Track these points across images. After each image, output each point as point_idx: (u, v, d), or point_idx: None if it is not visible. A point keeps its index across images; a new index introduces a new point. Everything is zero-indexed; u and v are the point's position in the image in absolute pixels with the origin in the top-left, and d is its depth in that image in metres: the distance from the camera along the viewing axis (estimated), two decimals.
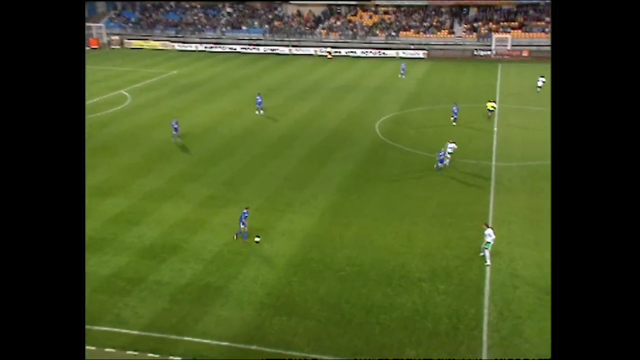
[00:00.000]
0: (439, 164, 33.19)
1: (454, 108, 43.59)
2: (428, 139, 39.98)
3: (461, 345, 18.12)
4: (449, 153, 33.64)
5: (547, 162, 34.64)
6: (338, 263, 23.26)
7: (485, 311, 19.77)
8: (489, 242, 22.72)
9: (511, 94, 53.97)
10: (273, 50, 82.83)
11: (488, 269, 22.43)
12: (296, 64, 73.97)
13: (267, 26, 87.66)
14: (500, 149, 37.40)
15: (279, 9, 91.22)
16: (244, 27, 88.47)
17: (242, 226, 24.97)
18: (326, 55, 78.25)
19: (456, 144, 34.17)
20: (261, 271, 22.81)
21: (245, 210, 25.12)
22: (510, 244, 24.34)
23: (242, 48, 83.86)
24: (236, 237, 25.26)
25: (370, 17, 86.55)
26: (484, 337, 18.42)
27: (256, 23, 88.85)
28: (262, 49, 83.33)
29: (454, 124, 42.97)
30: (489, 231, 22.88)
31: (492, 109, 44.00)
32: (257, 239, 24.92)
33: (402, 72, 63.13)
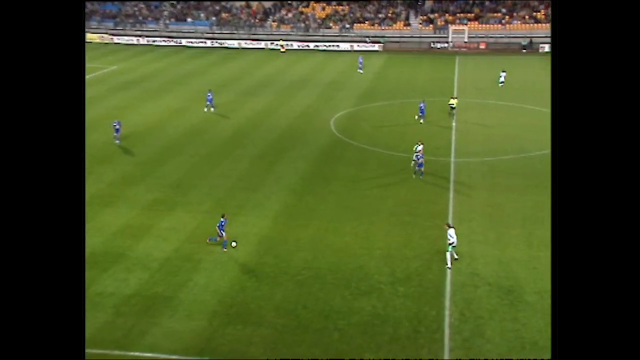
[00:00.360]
0: (418, 168, 32.30)
1: (421, 105, 43.44)
2: (385, 136, 40.46)
3: (422, 348, 18.42)
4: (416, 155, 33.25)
5: (507, 156, 35.62)
6: (294, 267, 23.26)
7: (447, 313, 20.17)
8: (453, 244, 23.03)
9: (469, 87, 55.22)
10: (221, 43, 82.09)
11: (448, 270, 22.85)
12: (246, 58, 73.56)
13: (214, 18, 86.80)
14: (459, 144, 38.22)
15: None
16: (189, 20, 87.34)
17: (221, 235, 24.55)
18: (279, 49, 78.15)
19: (423, 145, 33.38)
20: (213, 278, 22.58)
21: (222, 219, 24.74)
22: (471, 243, 24.89)
23: (187, 41, 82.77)
24: (225, 243, 24.71)
25: (323, 8, 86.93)
26: (446, 340, 18.78)
27: (202, 15, 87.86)
28: (209, 43, 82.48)
29: (420, 120, 43.02)
30: (450, 231, 23.23)
31: (454, 105, 44.41)
32: (233, 244, 24.65)
33: (359, 65, 63.58)
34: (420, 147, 33.03)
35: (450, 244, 23.02)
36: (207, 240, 25.02)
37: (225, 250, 24.55)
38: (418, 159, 32.37)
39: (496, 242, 24.99)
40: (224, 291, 21.68)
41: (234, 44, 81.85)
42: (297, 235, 25.90)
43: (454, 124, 42.74)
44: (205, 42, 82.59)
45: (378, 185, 31.67)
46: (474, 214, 27.79)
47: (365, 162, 35.24)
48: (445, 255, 23.29)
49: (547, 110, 46.18)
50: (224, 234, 24.53)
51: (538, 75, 60.58)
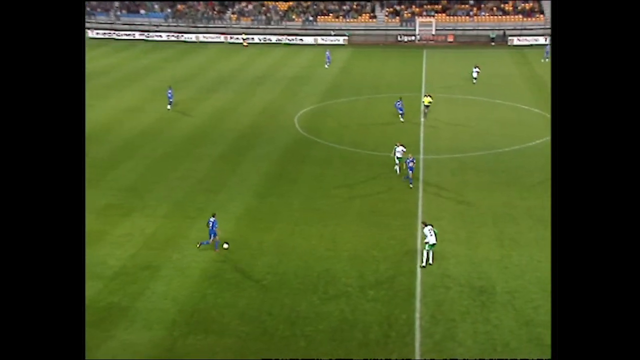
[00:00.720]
0: (410, 173, 31.20)
1: (397, 104, 42.94)
2: (351, 133, 40.68)
3: (393, 353, 18.61)
4: (398, 158, 32.26)
5: (477, 153, 36.21)
6: (258, 272, 23.23)
7: (417, 316, 20.42)
8: (429, 244, 23.15)
9: (438, 82, 55.90)
10: (178, 37, 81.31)
11: (419, 271, 23.14)
12: (205, 52, 73.01)
13: (169, 10, 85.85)
14: (428, 141, 38.68)
15: None
16: (142, 11, 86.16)
17: (212, 237, 24.59)
18: (241, 43, 77.79)
19: (405, 147, 32.68)
20: (172, 286, 22.37)
21: (212, 218, 24.73)
22: (442, 242, 25.15)
23: (140, 35, 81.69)
24: (200, 245, 25.10)
25: (285, 0, 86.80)
26: (417, 344, 19.02)
27: (156, 6, 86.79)
28: (164, 36, 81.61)
29: (400, 119, 42.78)
30: (426, 230, 23.34)
31: (428, 104, 43.39)
32: (225, 246, 24.72)
33: (327, 60, 63.84)
34: (400, 149, 32.27)
35: (426, 243, 23.24)
36: (198, 245, 24.94)
37: (217, 251, 24.63)
38: (408, 163, 31.21)
39: (467, 242, 25.40)
40: (184, 299, 21.50)
41: (192, 37, 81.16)
42: (261, 239, 25.86)
43: (422, 119, 43.24)
44: (160, 35, 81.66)
45: (345, 184, 31.83)
46: (444, 213, 28.17)
47: (331, 161, 35.38)
48: (418, 254, 23.53)
49: (517, 104, 47.14)
50: (213, 236, 24.59)
51: (508, 68, 61.75)
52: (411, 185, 30.98)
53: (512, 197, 29.70)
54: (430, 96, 44.24)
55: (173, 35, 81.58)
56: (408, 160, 31.44)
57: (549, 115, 43.39)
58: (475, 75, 54.51)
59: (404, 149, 32.43)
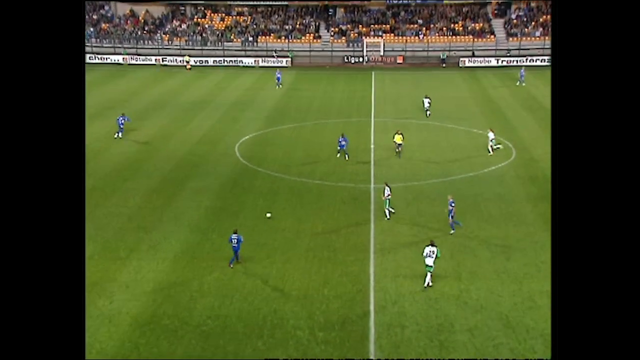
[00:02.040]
0: (450, 219, 29.84)
1: (341, 140, 40.93)
2: (298, 162, 40.90)
3: None
4: (385, 200, 31.07)
5: (431, 181, 36.95)
6: (197, 317, 22.87)
7: (372, 359, 20.49)
8: (426, 265, 24.53)
9: (388, 106, 57.09)
10: (103, 59, 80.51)
11: (373, 310, 23.27)
12: (134, 75, 72.40)
13: (92, 29, 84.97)
14: (380, 169, 39.26)
15: (106, 7, 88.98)
16: None
17: (236, 251, 26.49)
18: (184, 66, 77.61)
19: (391, 189, 31.49)
20: (98, 337, 21.71)
21: (235, 235, 26.39)
22: (397, 277, 25.51)
23: None
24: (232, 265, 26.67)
25: (223, 19, 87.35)
26: None
27: None
28: (87, 58, 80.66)
29: (338, 155, 41.44)
30: (426, 250, 24.54)
31: (400, 142, 41.23)
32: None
33: (277, 81, 65.10)
34: (388, 191, 31.07)
35: (427, 265, 24.52)
36: (230, 265, 26.50)
37: (231, 266, 26.45)
38: (451, 205, 29.56)
39: (423, 276, 25.70)
40: (112, 351, 20.91)
41: (119, 59, 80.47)
42: (201, 279, 25.54)
43: (372, 145, 43.91)
44: None
45: (292, 217, 31.88)
46: (399, 245, 28.53)
47: (277, 192, 35.42)
48: (372, 291, 23.70)
49: (471, 129, 48.51)
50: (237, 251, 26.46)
51: (460, 91, 63.64)
52: (461, 225, 30.01)
53: (470, 228, 30.35)
54: (402, 134, 41.51)
55: (97, 57, 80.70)
56: (451, 202, 29.81)
57: (505, 140, 44.83)
58: (427, 106, 53.02)
59: (390, 193, 31.24)
